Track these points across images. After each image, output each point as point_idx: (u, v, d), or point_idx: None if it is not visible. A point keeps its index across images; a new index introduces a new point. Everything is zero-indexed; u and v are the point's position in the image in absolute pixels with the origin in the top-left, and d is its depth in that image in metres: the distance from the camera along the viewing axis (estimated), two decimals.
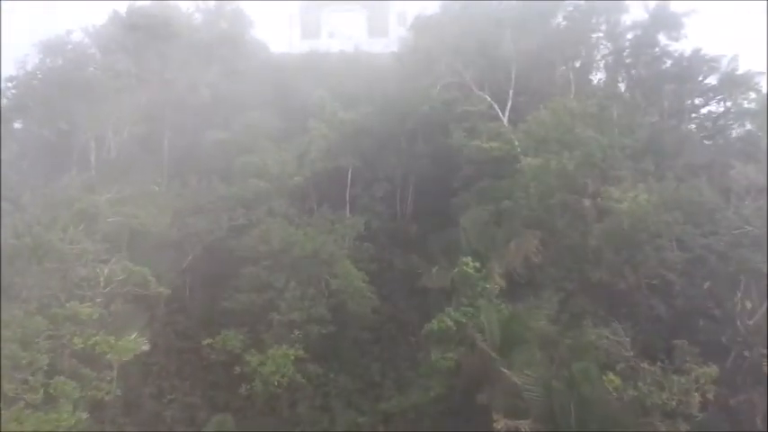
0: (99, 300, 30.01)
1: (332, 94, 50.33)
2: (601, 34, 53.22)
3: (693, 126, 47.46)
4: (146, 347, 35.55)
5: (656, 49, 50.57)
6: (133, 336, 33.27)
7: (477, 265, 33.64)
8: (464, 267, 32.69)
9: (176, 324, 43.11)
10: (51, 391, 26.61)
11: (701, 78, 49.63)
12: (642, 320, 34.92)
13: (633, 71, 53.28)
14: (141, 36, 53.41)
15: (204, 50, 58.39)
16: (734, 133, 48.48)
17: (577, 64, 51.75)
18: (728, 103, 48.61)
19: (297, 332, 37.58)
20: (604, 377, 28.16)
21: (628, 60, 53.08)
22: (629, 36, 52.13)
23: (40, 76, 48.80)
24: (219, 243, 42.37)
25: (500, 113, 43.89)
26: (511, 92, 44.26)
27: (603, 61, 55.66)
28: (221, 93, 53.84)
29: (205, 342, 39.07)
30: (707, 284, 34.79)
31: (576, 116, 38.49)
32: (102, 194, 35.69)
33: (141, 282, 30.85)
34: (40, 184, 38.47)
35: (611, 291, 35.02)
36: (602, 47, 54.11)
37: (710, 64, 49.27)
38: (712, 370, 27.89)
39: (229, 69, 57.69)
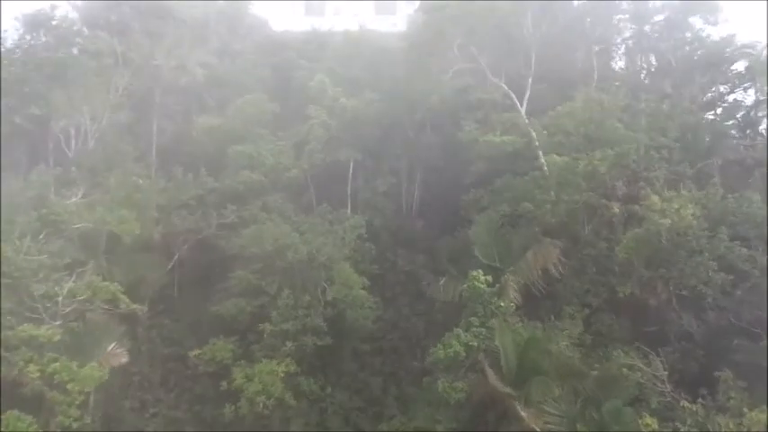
0: (58, 322, 25.52)
1: (334, 78, 45.45)
2: (626, 15, 47.94)
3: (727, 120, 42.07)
4: (124, 360, 31.61)
5: (688, 34, 45.46)
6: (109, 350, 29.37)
7: (490, 278, 29.02)
8: (475, 283, 28.10)
9: (162, 328, 38.89)
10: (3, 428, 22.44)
11: (730, 66, 44.51)
12: (673, 339, 30.43)
13: (659, 57, 48.27)
14: (128, 11, 48.56)
15: (199, 28, 53.61)
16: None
17: (597, 48, 46.20)
18: (757, 93, 43.41)
19: (289, 344, 33.26)
20: (639, 420, 23.76)
21: (655, 45, 48.02)
22: (658, 18, 46.95)
23: (18, 53, 43.72)
24: (208, 241, 37.95)
25: (517, 103, 38.86)
26: (530, 79, 39.13)
27: (625, 45, 50.65)
28: (216, 74, 49.01)
29: (193, 353, 34.78)
30: (746, 300, 30.21)
31: (606, 109, 33.41)
32: (74, 192, 30.98)
33: (110, 298, 26.33)
34: (10, 177, 33.74)
35: (640, 306, 30.45)
36: (626, 30, 48.85)
37: (743, 50, 44.01)
38: (764, 416, 23.42)
39: (225, 48, 52.97)
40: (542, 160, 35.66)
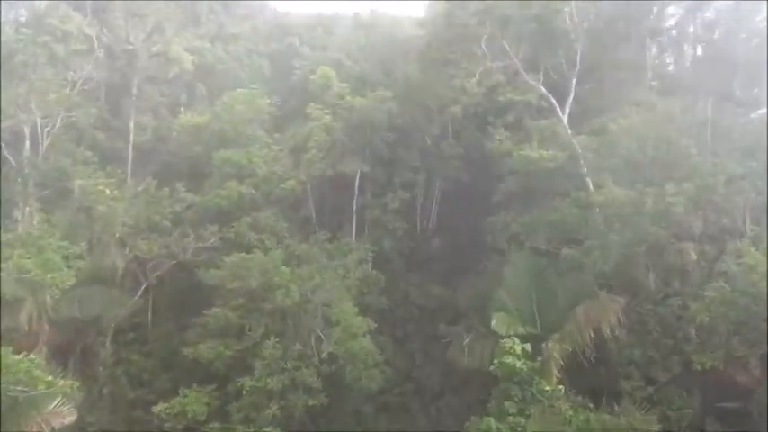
0: None
1: (340, 71, 37.59)
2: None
3: None
4: (71, 418, 24.20)
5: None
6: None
7: (528, 348, 21.24)
8: (508, 357, 20.38)
9: (129, 364, 31.47)
10: None
11: None
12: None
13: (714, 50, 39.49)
14: None
15: (189, 7, 45.41)
16: None
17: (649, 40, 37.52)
18: None
19: (274, 406, 25.75)
20: None
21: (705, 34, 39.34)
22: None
23: None
24: (186, 264, 30.38)
25: (557, 108, 30.64)
26: (574, 80, 30.81)
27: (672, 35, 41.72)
28: (207, 62, 40.91)
29: (157, 408, 27.34)
30: None
31: (673, 122, 25.26)
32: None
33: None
34: None
35: (724, 384, 22.61)
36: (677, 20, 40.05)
37: None
38: None
39: (220, 32, 44.76)
40: (590, 185, 27.62)
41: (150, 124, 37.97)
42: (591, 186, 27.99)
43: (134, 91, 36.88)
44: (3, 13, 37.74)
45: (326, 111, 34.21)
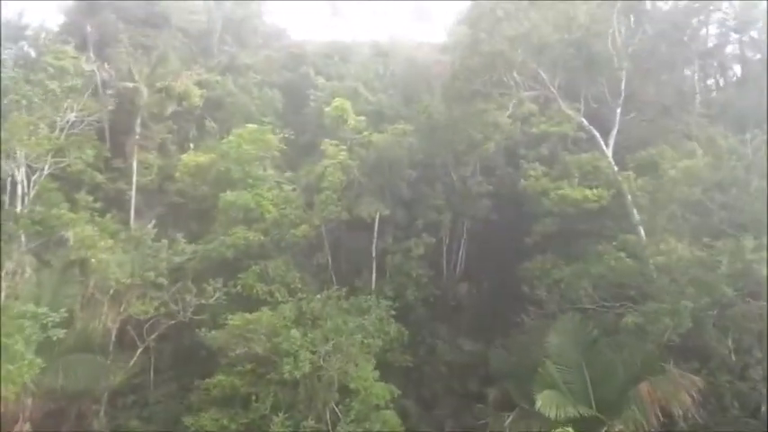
0: None
1: (357, 103, 34.08)
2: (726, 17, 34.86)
3: None
4: None
5: None
6: None
7: None
8: None
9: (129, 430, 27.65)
10: None
11: None
12: None
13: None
14: (112, 18, 37.41)
15: (201, 38, 42.48)
16: None
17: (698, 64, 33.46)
18: None
19: None
20: None
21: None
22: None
23: None
24: (186, 325, 26.76)
25: (600, 140, 26.57)
26: (619, 110, 26.81)
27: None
28: (216, 96, 37.64)
29: None
30: None
31: (741, 160, 21.11)
32: None
33: None
34: None
35: None
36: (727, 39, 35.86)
37: None
38: None
39: (232, 63, 41.59)
40: (642, 232, 23.56)
41: (155, 163, 34.78)
42: (643, 232, 23.89)
43: (137, 129, 33.70)
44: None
45: (342, 147, 30.70)
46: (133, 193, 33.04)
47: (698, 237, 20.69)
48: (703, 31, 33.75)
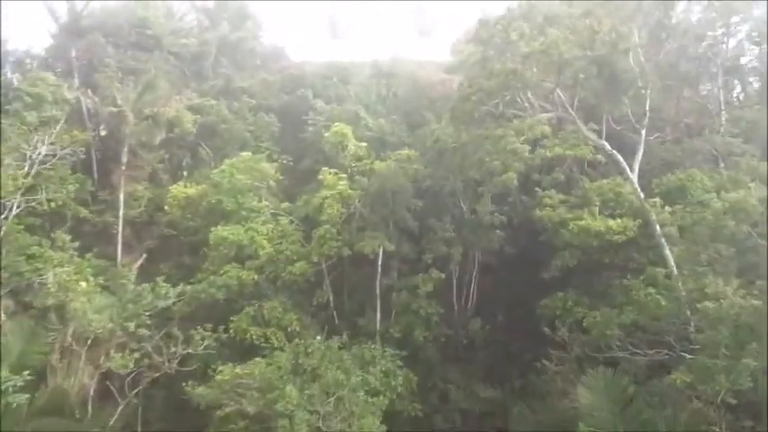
0: None
1: (357, 127, 31.47)
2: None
3: None
4: None
5: None
6: None
7: None
8: None
9: None
10: None
11: None
12: None
13: None
14: (101, 42, 35.23)
15: (193, 61, 40.23)
16: None
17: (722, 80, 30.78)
18: None
19: None
20: None
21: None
22: None
23: None
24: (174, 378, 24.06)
25: (624, 165, 23.83)
26: (644, 131, 24.14)
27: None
28: (210, 122, 35.24)
29: None
30: None
31: None
32: None
33: None
34: None
35: None
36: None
37: None
38: None
39: (227, 86, 39.26)
40: (675, 268, 20.85)
41: (145, 194, 32.32)
42: (675, 269, 21.14)
43: (123, 158, 31.25)
44: None
45: (342, 176, 28.14)
46: (120, 226, 30.54)
47: (746, 277, 17.93)
48: (724, 44, 31.16)
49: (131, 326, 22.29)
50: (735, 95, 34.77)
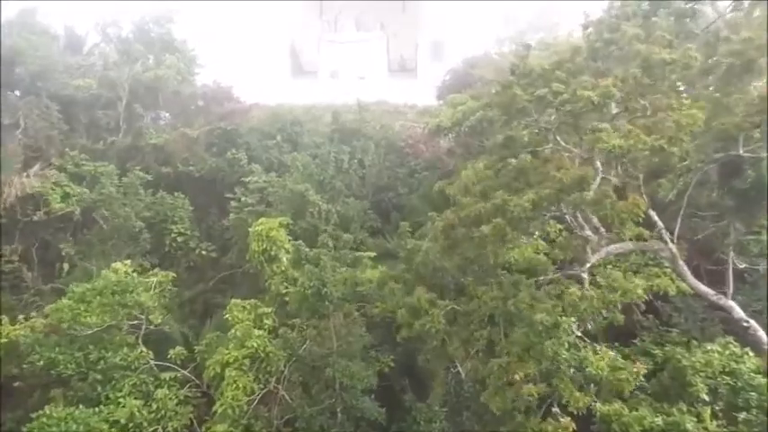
0: None
1: (302, 217, 19.09)
2: None
3: None
4: None
5: None
6: None
7: None
8: None
9: None
10: None
11: None
12: None
13: None
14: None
15: (87, 110, 27.72)
16: None
17: None
18: None
19: None
20: None
21: None
22: None
23: None
24: None
25: (665, 233, 12.01)
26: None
27: None
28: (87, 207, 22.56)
29: None
30: None
31: None
32: None
33: None
34: None
35: None
36: None
37: None
38: None
39: (132, 144, 26.71)
40: None
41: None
42: None
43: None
44: None
45: (265, 310, 15.79)
46: None
47: None
48: None
49: None
50: None
